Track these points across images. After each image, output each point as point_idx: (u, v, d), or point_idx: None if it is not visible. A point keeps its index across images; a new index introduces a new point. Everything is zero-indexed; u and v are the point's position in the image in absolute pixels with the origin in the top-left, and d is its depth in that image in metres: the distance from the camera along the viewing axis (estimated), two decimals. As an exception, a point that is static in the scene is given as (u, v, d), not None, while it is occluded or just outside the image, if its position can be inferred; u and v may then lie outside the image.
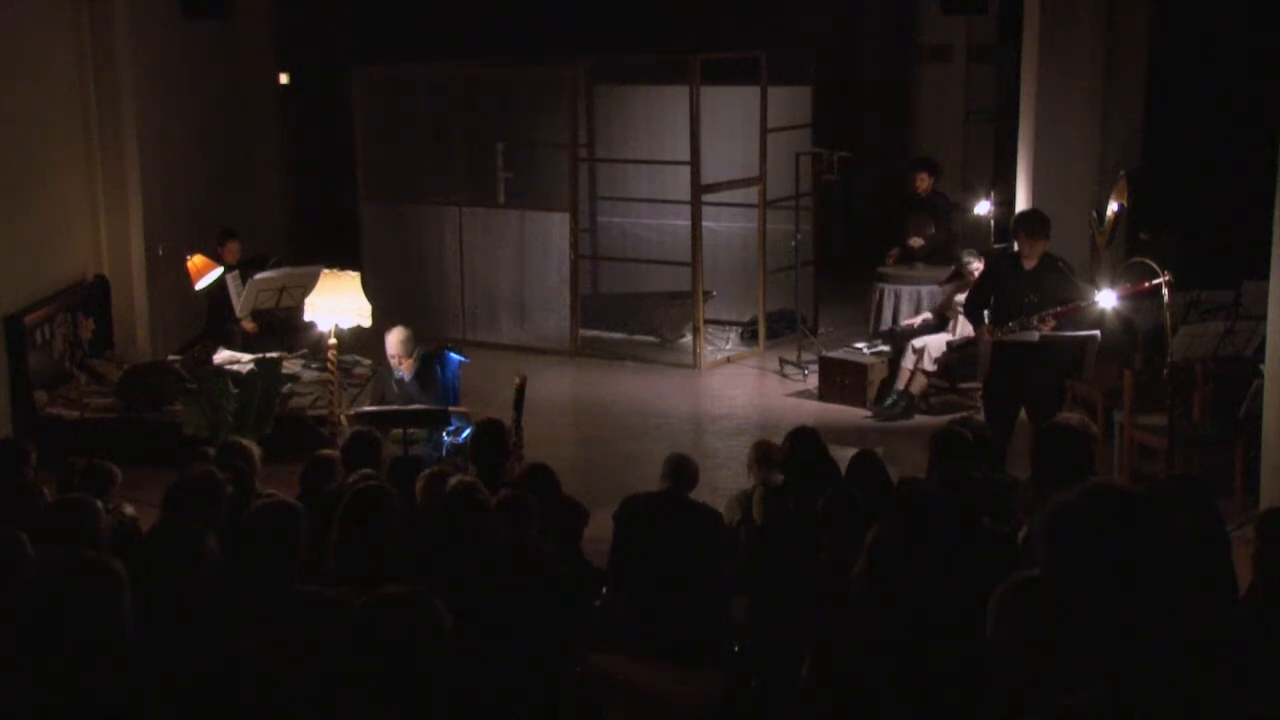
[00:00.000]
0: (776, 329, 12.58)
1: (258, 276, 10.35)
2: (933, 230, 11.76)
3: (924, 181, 11.89)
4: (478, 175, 13.12)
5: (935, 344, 10.24)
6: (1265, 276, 7.50)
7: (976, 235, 11.86)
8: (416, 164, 13.19)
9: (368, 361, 10.35)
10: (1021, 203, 10.86)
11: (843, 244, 15.03)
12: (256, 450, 6.56)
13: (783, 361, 11.73)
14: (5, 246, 9.49)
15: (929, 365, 10.29)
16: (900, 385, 10.42)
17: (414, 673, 3.11)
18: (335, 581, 4.29)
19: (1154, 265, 8.06)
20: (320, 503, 5.54)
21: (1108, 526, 2.21)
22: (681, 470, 6.64)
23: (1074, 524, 2.23)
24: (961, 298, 9.57)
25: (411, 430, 8.06)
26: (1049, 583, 2.30)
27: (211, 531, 4.00)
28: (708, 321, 12.38)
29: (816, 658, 4.03)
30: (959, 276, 11.04)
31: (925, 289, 11.53)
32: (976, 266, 10.45)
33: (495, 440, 6.67)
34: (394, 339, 8.68)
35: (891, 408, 10.34)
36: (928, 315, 11.02)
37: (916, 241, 11.68)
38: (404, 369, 8.66)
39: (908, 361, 10.40)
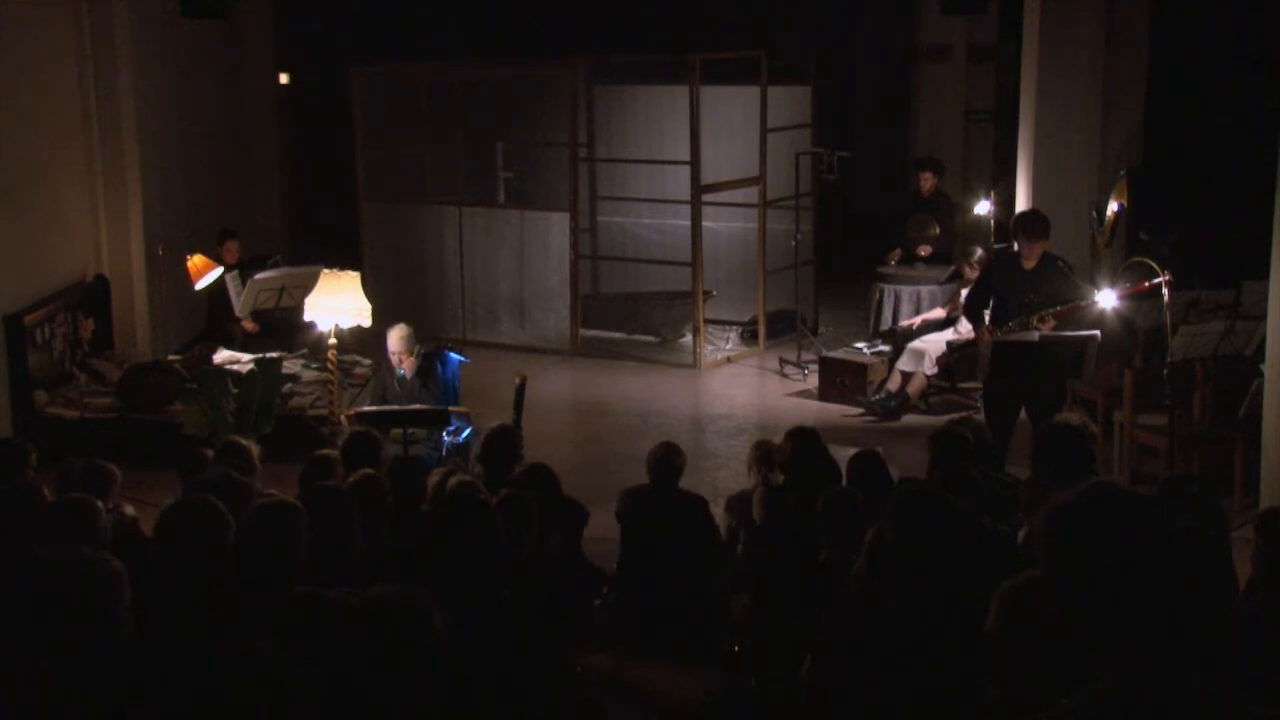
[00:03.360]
0: (776, 329, 12.58)
1: (258, 276, 10.35)
2: (936, 231, 11.75)
3: (928, 181, 11.89)
4: (478, 175, 13.12)
5: (935, 346, 10.23)
6: (1265, 276, 7.50)
7: (977, 235, 11.86)
8: (416, 164, 13.19)
9: (368, 361, 10.35)
10: (1021, 203, 10.86)
11: (843, 244, 15.02)
12: (256, 450, 6.56)
13: (783, 361, 11.72)
14: (5, 246, 9.49)
15: (929, 369, 10.28)
16: (891, 387, 10.42)
17: (406, 672, 3.11)
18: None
19: (1154, 265, 8.07)
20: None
21: (1107, 526, 2.21)
22: (666, 465, 6.65)
23: (1074, 524, 2.23)
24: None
25: (411, 430, 8.07)
26: (1049, 582, 2.30)
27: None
28: (708, 321, 12.38)
29: (816, 658, 4.03)
30: (959, 276, 11.04)
31: (925, 289, 11.54)
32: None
33: (506, 446, 6.69)
34: (395, 336, 8.69)
35: (882, 402, 10.33)
36: (935, 313, 11.01)
37: (925, 250, 11.68)
38: (405, 366, 8.67)
39: (903, 364, 10.40)
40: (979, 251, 10.72)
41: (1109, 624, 2.16)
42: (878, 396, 10.43)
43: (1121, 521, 2.21)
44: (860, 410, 10.41)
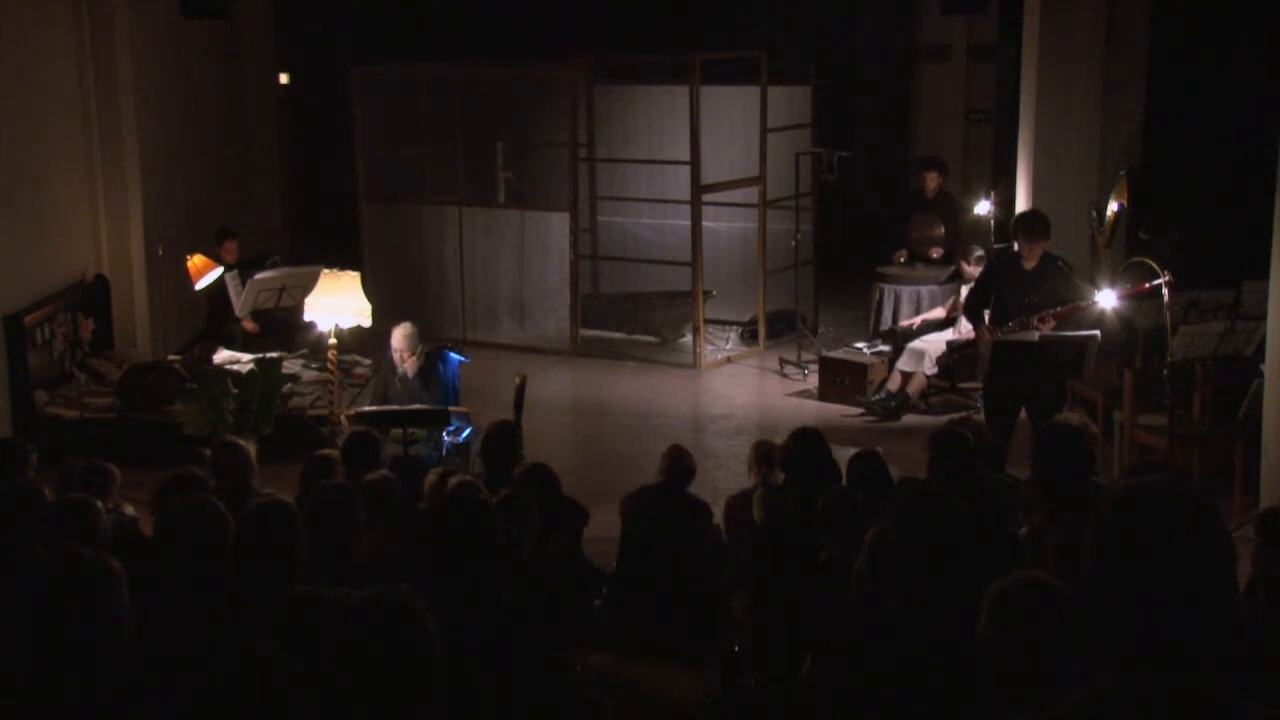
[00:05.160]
0: (776, 329, 12.58)
1: (258, 276, 10.35)
2: (941, 231, 11.74)
3: (932, 181, 11.87)
4: (478, 175, 13.12)
5: (935, 346, 10.23)
6: (1265, 276, 7.49)
7: (977, 235, 11.85)
8: (416, 164, 13.19)
9: (368, 361, 10.36)
10: (1021, 203, 10.85)
11: (843, 244, 15.02)
12: (252, 449, 6.56)
13: (783, 361, 11.72)
14: (5, 246, 9.49)
15: (929, 369, 10.28)
16: (891, 387, 10.42)
17: (397, 673, 3.11)
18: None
19: (1154, 265, 8.07)
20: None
21: (1179, 523, 2.10)
22: (679, 464, 6.69)
23: (1156, 519, 2.12)
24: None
25: (411, 430, 8.07)
26: (1095, 580, 2.16)
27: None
28: (708, 321, 12.38)
29: (816, 658, 4.03)
30: (959, 276, 11.04)
31: (925, 289, 11.54)
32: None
33: (506, 442, 6.70)
34: (399, 334, 8.69)
35: (883, 402, 10.33)
36: (935, 313, 11.01)
37: (936, 252, 11.67)
38: (407, 366, 8.67)
39: (903, 364, 10.39)
40: (979, 251, 10.73)
41: (1136, 624, 2.10)
42: (878, 396, 10.43)
43: (1193, 519, 2.10)
44: (860, 410, 10.41)
